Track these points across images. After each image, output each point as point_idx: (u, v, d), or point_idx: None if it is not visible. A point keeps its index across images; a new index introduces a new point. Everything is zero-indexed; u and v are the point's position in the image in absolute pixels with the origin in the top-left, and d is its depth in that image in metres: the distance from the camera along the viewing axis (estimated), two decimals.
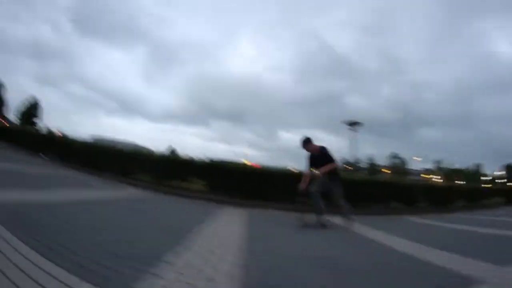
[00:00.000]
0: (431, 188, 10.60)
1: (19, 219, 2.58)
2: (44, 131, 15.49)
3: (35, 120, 40.84)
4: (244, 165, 9.47)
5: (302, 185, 4.61)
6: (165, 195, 7.00)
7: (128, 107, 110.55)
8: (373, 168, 47.83)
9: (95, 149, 9.88)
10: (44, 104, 45.07)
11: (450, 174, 51.33)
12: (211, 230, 3.43)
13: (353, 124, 31.09)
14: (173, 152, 14.15)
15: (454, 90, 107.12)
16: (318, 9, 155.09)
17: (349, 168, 42.52)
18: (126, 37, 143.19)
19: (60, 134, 13.65)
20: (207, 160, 7.92)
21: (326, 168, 4.53)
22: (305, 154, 4.87)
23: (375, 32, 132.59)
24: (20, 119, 39.78)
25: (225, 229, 3.67)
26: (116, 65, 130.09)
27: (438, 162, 58.17)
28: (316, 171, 4.62)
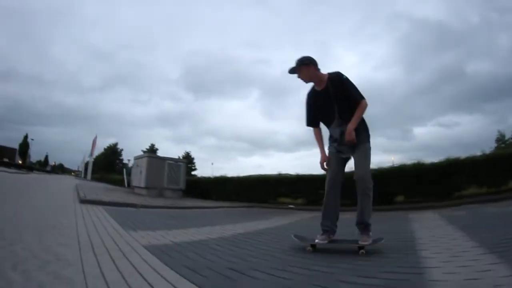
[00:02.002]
0: None
1: None
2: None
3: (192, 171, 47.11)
4: None
5: (323, 159, 2.62)
6: None
7: (259, 144, 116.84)
8: None
9: None
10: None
11: None
12: None
13: None
14: None
15: None
16: None
17: None
18: (237, 87, 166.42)
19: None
20: None
21: (356, 117, 2.42)
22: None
23: None
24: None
25: None
26: (238, 113, 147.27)
27: None
28: (336, 128, 2.56)
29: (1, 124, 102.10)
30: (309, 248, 2.38)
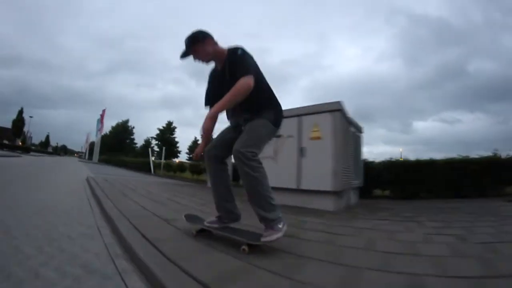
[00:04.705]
0: None
1: None
2: None
3: None
4: None
5: (200, 149, 1.97)
6: None
7: None
8: None
9: None
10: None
11: None
12: None
13: None
14: None
15: None
16: None
17: None
18: None
19: None
20: None
21: (225, 99, 1.70)
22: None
23: None
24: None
25: None
26: None
27: None
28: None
29: (9, 107, 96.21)
30: (193, 232, 1.95)
